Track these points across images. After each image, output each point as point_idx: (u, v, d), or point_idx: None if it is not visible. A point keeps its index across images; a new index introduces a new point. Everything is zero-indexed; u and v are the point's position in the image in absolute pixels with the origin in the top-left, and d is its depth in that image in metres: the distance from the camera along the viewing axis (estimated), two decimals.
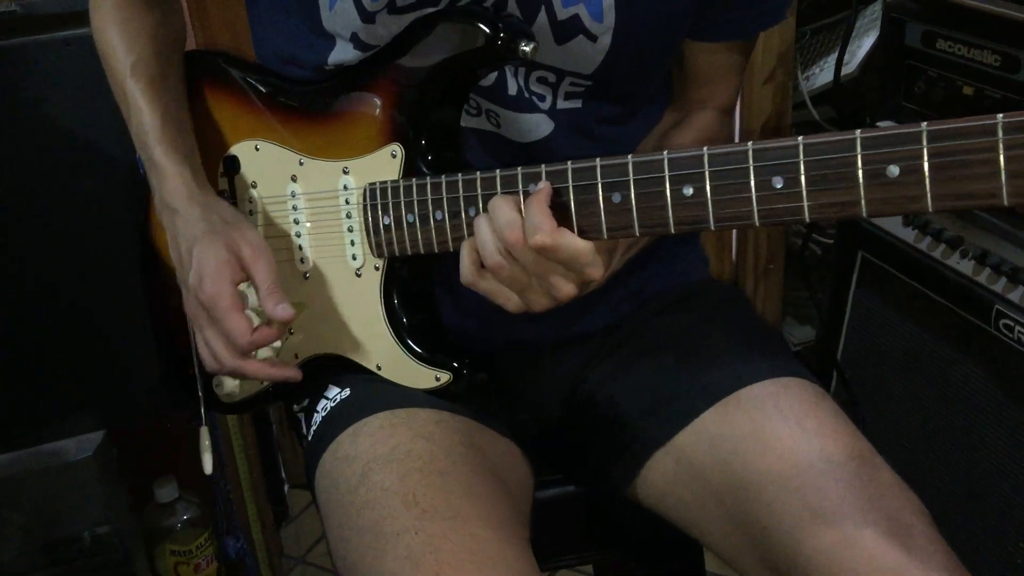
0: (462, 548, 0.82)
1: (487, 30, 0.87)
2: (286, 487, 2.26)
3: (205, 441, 1.17)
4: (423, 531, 0.84)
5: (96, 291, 1.58)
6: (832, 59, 1.79)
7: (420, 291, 1.02)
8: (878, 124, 1.51)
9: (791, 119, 1.85)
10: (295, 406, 1.14)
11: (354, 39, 0.97)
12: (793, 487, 0.88)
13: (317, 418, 1.04)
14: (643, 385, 1.06)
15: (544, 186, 0.81)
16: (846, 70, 1.75)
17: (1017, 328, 1.33)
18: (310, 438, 1.04)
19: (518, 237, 0.81)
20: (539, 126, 1.01)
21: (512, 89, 0.98)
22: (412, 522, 0.85)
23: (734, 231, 1.92)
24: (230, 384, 1.16)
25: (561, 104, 1.00)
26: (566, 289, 0.84)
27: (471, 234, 0.89)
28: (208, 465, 1.17)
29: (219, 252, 0.94)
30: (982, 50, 1.38)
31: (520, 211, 0.82)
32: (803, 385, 0.99)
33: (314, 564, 2.12)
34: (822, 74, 1.83)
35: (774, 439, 0.93)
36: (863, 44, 1.74)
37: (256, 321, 0.97)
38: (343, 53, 0.99)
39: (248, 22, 1.12)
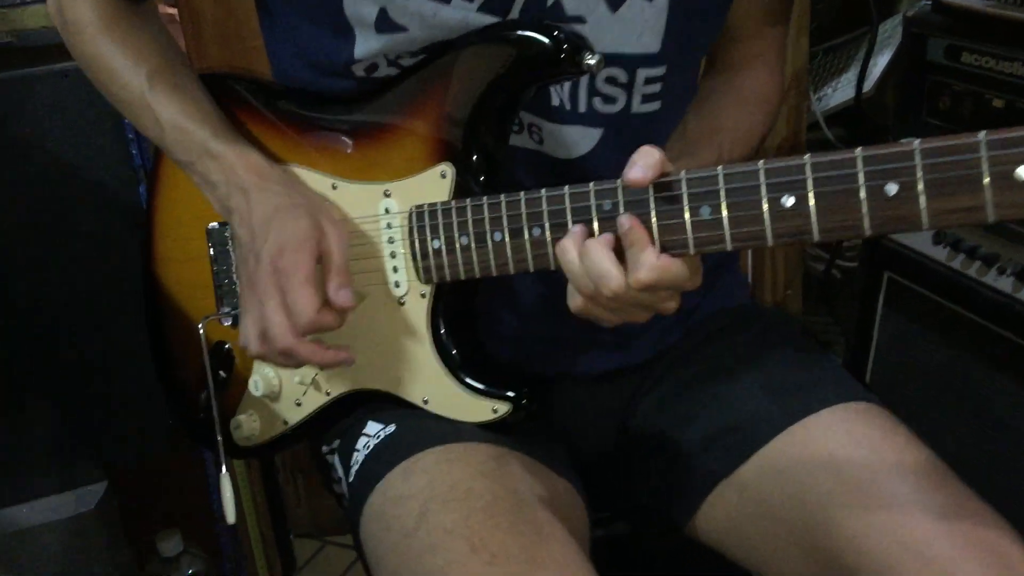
0: None
1: (549, 43, 0.83)
2: (291, 536, 2.17)
3: (227, 491, 1.09)
4: None
5: (94, 329, 1.50)
6: (844, 78, 1.77)
7: (468, 319, 0.95)
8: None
9: (805, 139, 1.82)
10: (324, 447, 1.07)
11: (380, 19, 0.90)
12: (875, 519, 0.83)
13: (359, 457, 0.96)
14: (698, 416, 1.00)
15: (630, 222, 0.77)
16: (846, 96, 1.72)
17: None
18: (351, 479, 0.97)
19: (619, 285, 0.77)
20: (583, 139, 0.95)
21: (555, 100, 0.93)
22: (482, 568, 0.78)
23: (749, 252, 1.88)
24: (249, 426, 1.09)
25: (637, 107, 0.94)
26: (670, 306, 0.80)
27: (535, 255, 0.84)
28: (231, 515, 1.09)
29: (304, 224, 0.89)
30: (1012, 61, 1.35)
31: (612, 255, 0.78)
32: (873, 410, 0.94)
33: None
34: (835, 94, 1.81)
35: (850, 468, 0.87)
36: (878, 63, 1.71)
37: None
38: (366, 44, 0.92)
39: (264, 41, 1.06)
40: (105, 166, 1.39)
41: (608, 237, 0.78)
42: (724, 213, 0.74)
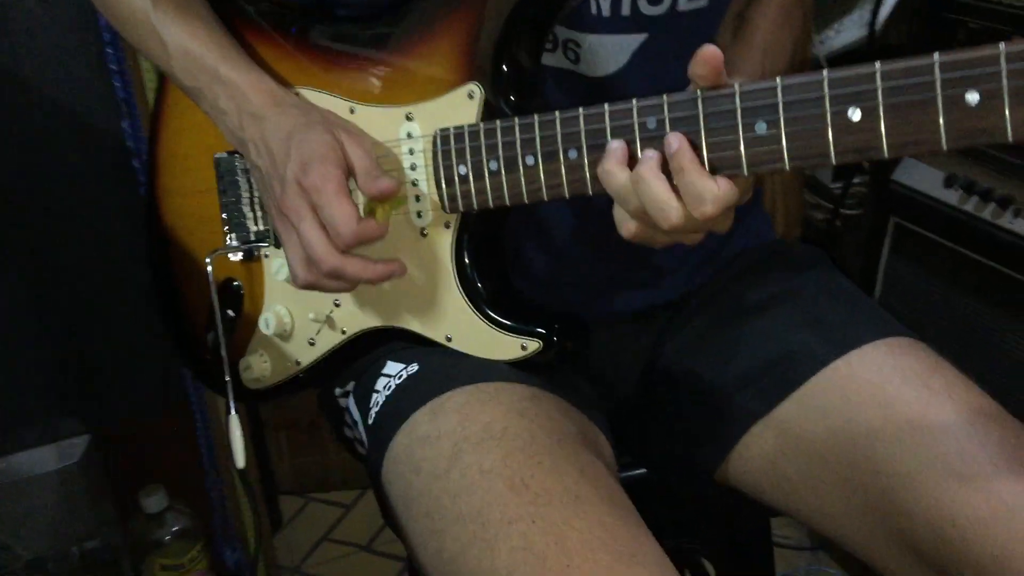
0: (591, 536, 0.72)
1: None
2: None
3: (236, 432, 1.04)
4: (542, 518, 0.73)
5: (78, 281, 1.43)
6: (848, 20, 1.72)
7: (495, 251, 0.91)
8: None
9: None
10: (337, 390, 1.02)
11: None
12: (932, 454, 0.80)
13: (378, 398, 0.92)
14: (731, 355, 0.96)
15: (679, 142, 0.71)
16: (863, 32, 1.68)
17: None
18: (370, 421, 0.92)
19: (679, 217, 0.72)
20: (622, 50, 0.90)
21: (594, 8, 0.88)
22: (526, 508, 0.74)
23: None
24: (259, 368, 1.04)
25: (684, 4, 0.88)
26: (724, 226, 0.75)
27: (571, 179, 0.79)
28: (240, 458, 1.04)
29: (324, 137, 0.84)
30: None
31: (668, 183, 0.72)
32: (916, 345, 0.91)
33: (309, 574, 1.99)
34: (838, 37, 1.76)
35: (900, 403, 0.84)
36: (885, 2, 1.67)
37: None
38: None
39: None
40: (86, 99, 1.32)
41: (657, 158, 0.72)
42: (782, 128, 0.69)
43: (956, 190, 1.45)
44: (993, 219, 1.39)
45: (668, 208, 0.71)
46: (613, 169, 0.74)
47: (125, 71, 1.28)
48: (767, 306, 0.97)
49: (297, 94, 0.94)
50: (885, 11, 1.65)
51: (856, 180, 1.81)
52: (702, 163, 0.72)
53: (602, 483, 0.78)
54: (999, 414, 0.83)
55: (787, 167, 0.70)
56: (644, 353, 1.03)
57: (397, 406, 0.89)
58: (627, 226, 0.77)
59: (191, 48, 0.92)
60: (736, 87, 0.70)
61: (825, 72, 0.67)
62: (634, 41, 0.89)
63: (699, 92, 0.72)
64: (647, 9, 0.88)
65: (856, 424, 0.85)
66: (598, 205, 0.94)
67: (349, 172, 0.84)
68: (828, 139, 0.67)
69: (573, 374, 0.97)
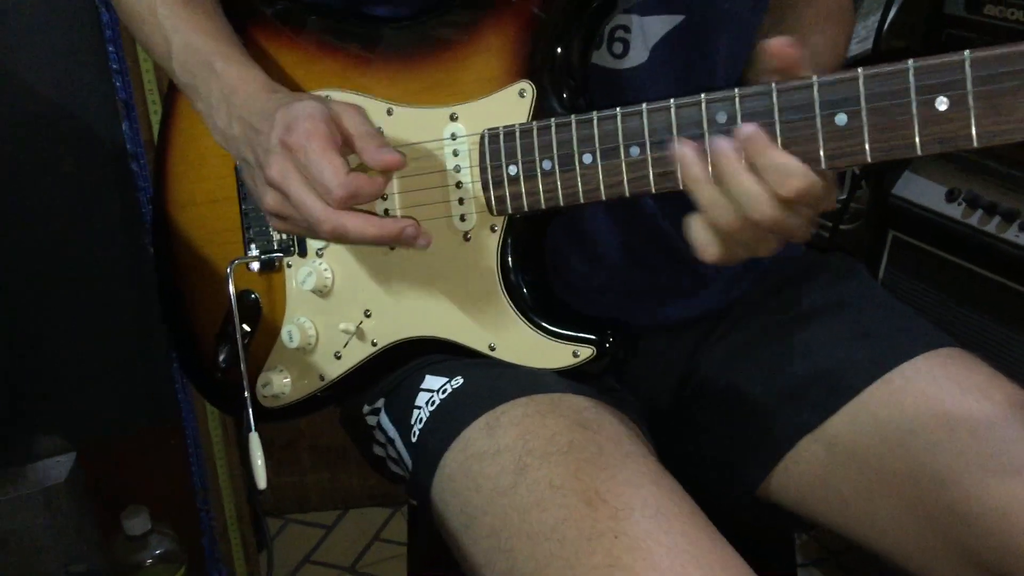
0: (678, 551, 0.69)
1: None
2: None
3: (257, 451, 0.98)
4: (624, 533, 0.69)
5: (67, 291, 1.37)
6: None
7: (539, 257, 0.88)
8: None
9: None
10: (365, 407, 0.98)
11: None
12: (1000, 468, 0.78)
13: (421, 415, 0.88)
14: (776, 368, 0.94)
15: (754, 128, 0.69)
16: (862, 48, 1.69)
17: None
18: (415, 438, 0.88)
19: (770, 206, 0.69)
20: (658, 33, 0.87)
21: None
22: (606, 524, 0.70)
23: None
24: (279, 384, 0.99)
25: None
26: (803, 231, 0.72)
27: (632, 177, 0.76)
28: (262, 480, 0.98)
29: (312, 106, 0.79)
30: None
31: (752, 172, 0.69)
32: (967, 356, 0.89)
33: None
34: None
35: (961, 414, 0.82)
36: (876, 18, 1.68)
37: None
38: None
39: None
40: (86, 100, 1.26)
41: (731, 153, 0.70)
42: (864, 120, 0.67)
43: (959, 204, 1.46)
44: (998, 233, 1.40)
45: (758, 198, 0.68)
46: (698, 175, 0.71)
47: (126, 72, 1.23)
48: (811, 318, 0.96)
49: (327, 97, 0.90)
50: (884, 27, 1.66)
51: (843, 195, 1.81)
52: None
53: (677, 495, 0.76)
54: None
55: (869, 159, 0.68)
56: (680, 364, 1.01)
57: (447, 421, 0.85)
58: (710, 251, 0.73)
59: (192, 42, 0.89)
60: (814, 78, 0.69)
61: (910, 61, 0.66)
62: (669, 23, 0.87)
63: (773, 84, 0.70)
64: None
65: (915, 437, 0.83)
66: (640, 212, 0.92)
67: (345, 139, 0.80)
68: (915, 129, 0.66)
69: (614, 384, 0.94)
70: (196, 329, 1.05)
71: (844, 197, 1.74)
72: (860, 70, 0.67)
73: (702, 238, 0.73)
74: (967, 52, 0.64)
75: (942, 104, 0.65)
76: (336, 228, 0.78)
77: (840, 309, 0.96)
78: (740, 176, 0.69)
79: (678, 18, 0.87)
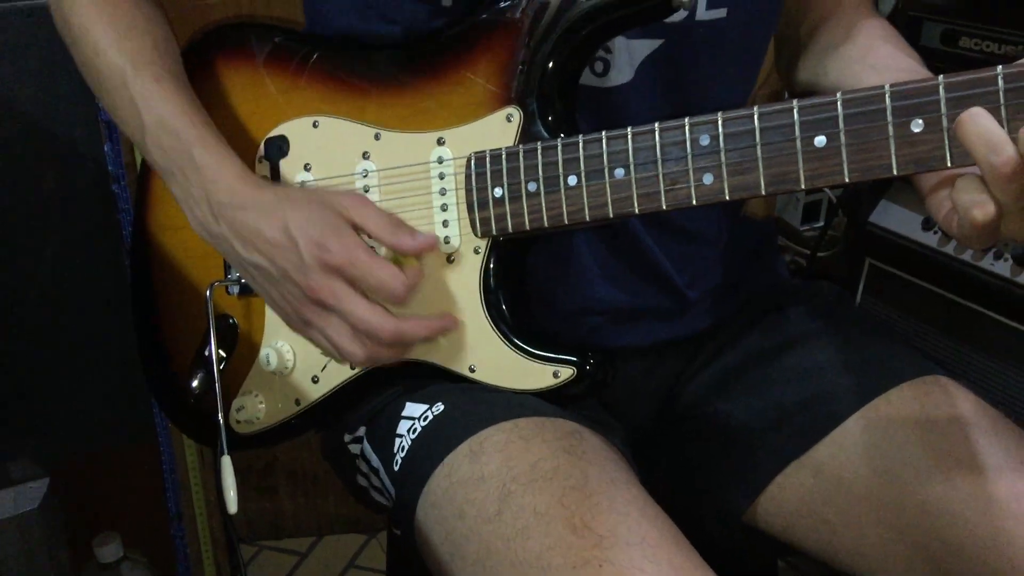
0: None
1: None
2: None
3: (228, 475, 0.97)
4: (610, 561, 0.69)
5: (42, 312, 1.36)
6: None
7: (520, 279, 0.88)
8: None
9: None
10: (346, 436, 0.97)
11: None
12: (985, 494, 0.78)
13: (403, 443, 0.87)
14: (762, 394, 0.94)
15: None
16: None
17: None
18: (397, 467, 0.88)
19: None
20: (637, 56, 0.88)
21: None
22: (591, 552, 0.70)
23: None
24: (252, 409, 0.98)
25: (702, 13, 0.87)
26: None
27: (616, 198, 0.77)
28: (232, 503, 0.98)
29: (323, 212, 0.80)
30: (1017, 45, 1.35)
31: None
32: (952, 383, 0.90)
33: None
34: None
35: (947, 442, 0.83)
36: None
37: None
38: None
39: None
40: (68, 121, 1.25)
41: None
42: (842, 141, 0.69)
43: (935, 232, 1.47)
44: (974, 261, 1.42)
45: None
46: (978, 113, 0.63)
47: None
48: (797, 344, 0.96)
49: (316, 123, 0.91)
50: None
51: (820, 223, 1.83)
52: None
53: (662, 523, 0.75)
54: None
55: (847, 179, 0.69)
56: (664, 388, 1.01)
57: (429, 449, 0.84)
58: (985, 208, 0.65)
59: (170, 124, 0.87)
60: (794, 102, 0.70)
61: (887, 86, 0.67)
62: (648, 47, 0.88)
63: (755, 108, 0.71)
64: (699, 14, 0.87)
65: (903, 465, 0.83)
66: (623, 233, 0.92)
67: (366, 228, 0.82)
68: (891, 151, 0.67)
69: (594, 406, 0.94)
70: (170, 353, 1.04)
71: (821, 225, 1.76)
72: (839, 94, 0.69)
73: (967, 200, 0.65)
74: (941, 77, 0.65)
75: (917, 126, 0.66)
76: (396, 334, 0.81)
77: (826, 336, 0.96)
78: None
79: (657, 42, 0.88)
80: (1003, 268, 1.37)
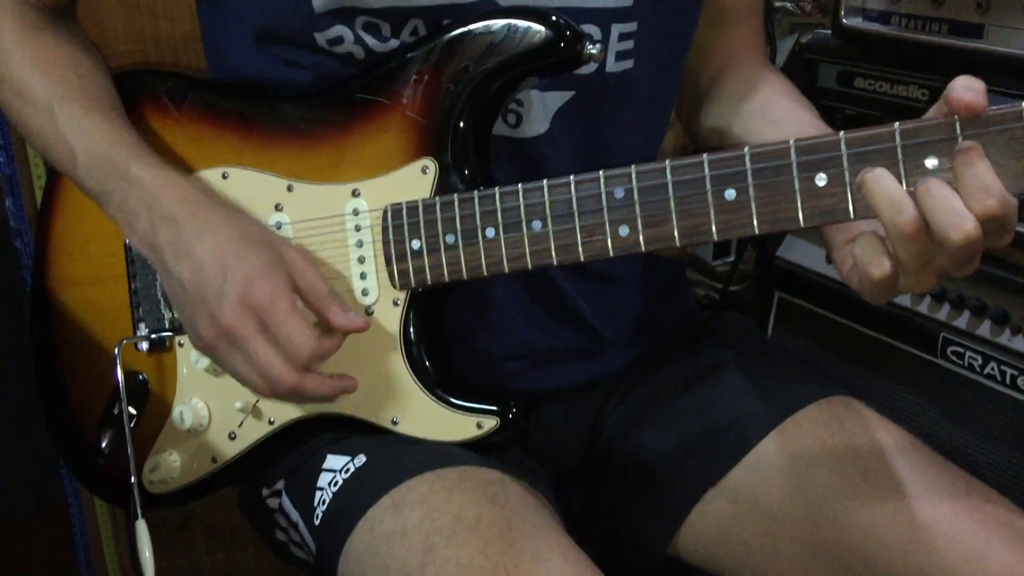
0: None
1: (548, 32, 0.79)
2: None
3: (144, 541, 0.94)
4: None
5: None
6: None
7: (439, 329, 0.88)
8: None
9: None
10: (264, 490, 0.95)
11: None
12: (893, 507, 0.82)
13: (323, 496, 0.86)
14: (675, 425, 0.96)
15: (973, 145, 0.65)
16: None
17: (968, 355, 1.34)
18: (317, 521, 0.86)
19: (974, 226, 0.64)
20: (551, 107, 0.89)
21: None
22: None
23: None
24: (167, 468, 0.96)
25: (611, 65, 0.89)
26: (971, 266, 0.68)
27: (534, 250, 0.78)
28: (150, 571, 0.94)
29: (265, 254, 0.80)
30: (908, 85, 1.41)
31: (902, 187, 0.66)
32: (855, 403, 0.94)
33: None
34: None
35: (852, 459, 0.86)
36: None
37: None
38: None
39: (201, 26, 0.96)
40: None
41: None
42: (751, 195, 0.71)
43: None
44: None
45: (963, 216, 0.64)
46: (882, 175, 0.66)
47: (10, 147, 1.19)
48: (707, 375, 0.99)
49: (225, 175, 0.89)
50: None
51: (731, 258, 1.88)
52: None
53: (585, 567, 0.76)
54: (943, 462, 0.86)
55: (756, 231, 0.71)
56: (584, 428, 1.02)
57: (351, 502, 0.83)
58: (882, 266, 0.68)
59: (101, 151, 0.86)
60: (704, 156, 0.72)
61: (792, 141, 0.69)
62: (560, 99, 0.90)
63: (667, 162, 0.73)
64: (608, 67, 0.89)
65: (812, 483, 0.86)
66: (538, 276, 0.93)
67: (304, 293, 0.81)
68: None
69: (517, 452, 0.94)
70: (76, 412, 1.00)
71: (732, 260, 1.80)
72: (747, 148, 0.71)
73: (866, 256, 0.69)
74: (842, 132, 0.68)
75: (821, 180, 0.68)
76: (294, 387, 0.80)
77: (735, 365, 0.99)
78: (944, 192, 0.65)
79: (568, 93, 0.90)
80: (903, 298, 1.42)
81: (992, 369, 1.27)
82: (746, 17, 1.04)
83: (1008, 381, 1.23)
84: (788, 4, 1.70)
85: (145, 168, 0.85)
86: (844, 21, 1.40)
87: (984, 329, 1.29)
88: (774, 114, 0.95)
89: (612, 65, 0.89)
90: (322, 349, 0.80)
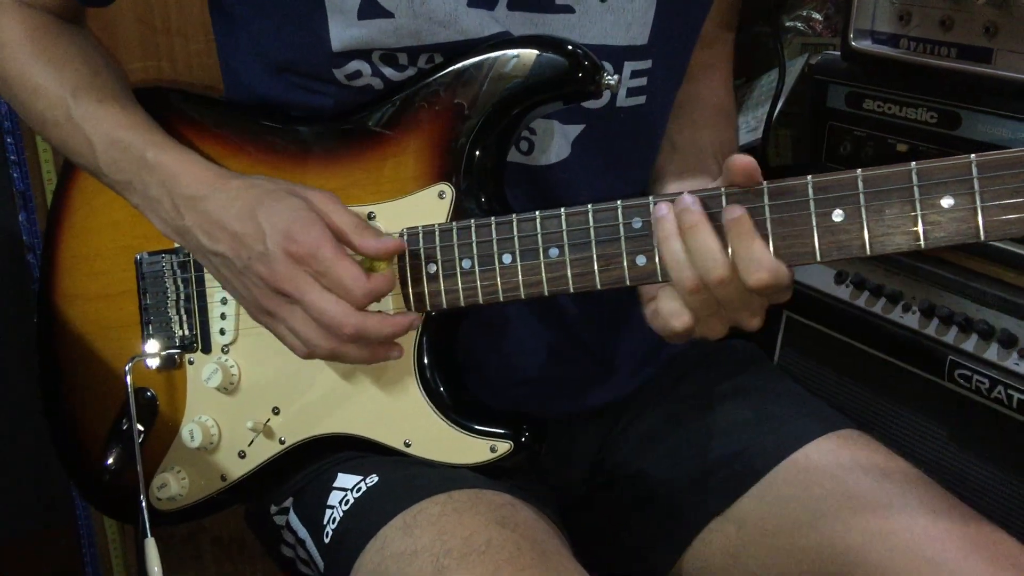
0: None
1: (566, 64, 0.80)
2: None
3: (153, 559, 0.94)
4: None
5: None
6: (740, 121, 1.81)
7: (453, 353, 0.88)
8: None
9: None
10: (272, 507, 0.95)
11: (365, 1, 0.82)
12: (903, 544, 0.82)
13: (334, 514, 0.86)
14: (683, 453, 0.97)
15: (741, 213, 0.71)
16: (751, 137, 1.77)
17: (975, 378, 1.34)
18: (327, 539, 0.86)
19: (725, 271, 0.71)
20: (564, 138, 0.90)
21: None
22: None
23: None
24: (176, 486, 0.96)
25: (623, 101, 0.90)
26: (755, 321, 0.75)
27: (550, 277, 0.78)
28: None
29: (294, 203, 0.79)
30: (916, 108, 1.41)
31: (723, 244, 0.72)
32: (863, 437, 0.94)
33: None
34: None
35: (863, 494, 0.86)
36: (758, 114, 1.77)
37: None
38: (345, 32, 0.83)
39: (218, 48, 0.97)
40: None
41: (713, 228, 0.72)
42: (769, 230, 0.71)
43: (847, 286, 1.52)
44: (884, 313, 1.47)
45: (717, 259, 0.71)
46: (670, 233, 0.73)
47: (23, 163, 1.20)
48: (716, 403, 0.99)
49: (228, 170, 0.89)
50: (763, 119, 1.75)
51: None
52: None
53: None
54: (945, 495, 0.87)
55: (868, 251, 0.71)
56: (592, 453, 1.02)
57: (362, 521, 0.83)
58: (681, 318, 0.75)
59: (117, 137, 0.87)
60: (722, 190, 0.72)
61: (809, 178, 0.70)
62: (573, 131, 0.91)
63: (684, 194, 0.73)
64: (587, 103, 0.90)
65: (821, 516, 0.86)
66: (552, 305, 0.94)
67: (337, 235, 0.80)
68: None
69: (526, 476, 0.95)
70: (82, 429, 1.01)
71: None
72: (765, 184, 0.71)
73: (669, 308, 0.76)
74: (859, 171, 0.68)
75: (838, 216, 0.69)
76: (358, 328, 0.78)
77: (744, 394, 0.99)
78: (707, 237, 0.71)
79: (579, 127, 0.91)
80: (911, 320, 1.42)
81: (999, 392, 1.27)
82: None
83: (1015, 405, 1.23)
84: (799, 24, 1.70)
85: (160, 152, 0.85)
86: (853, 44, 1.40)
87: (992, 352, 1.29)
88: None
89: (623, 100, 0.90)
90: (375, 286, 0.78)
